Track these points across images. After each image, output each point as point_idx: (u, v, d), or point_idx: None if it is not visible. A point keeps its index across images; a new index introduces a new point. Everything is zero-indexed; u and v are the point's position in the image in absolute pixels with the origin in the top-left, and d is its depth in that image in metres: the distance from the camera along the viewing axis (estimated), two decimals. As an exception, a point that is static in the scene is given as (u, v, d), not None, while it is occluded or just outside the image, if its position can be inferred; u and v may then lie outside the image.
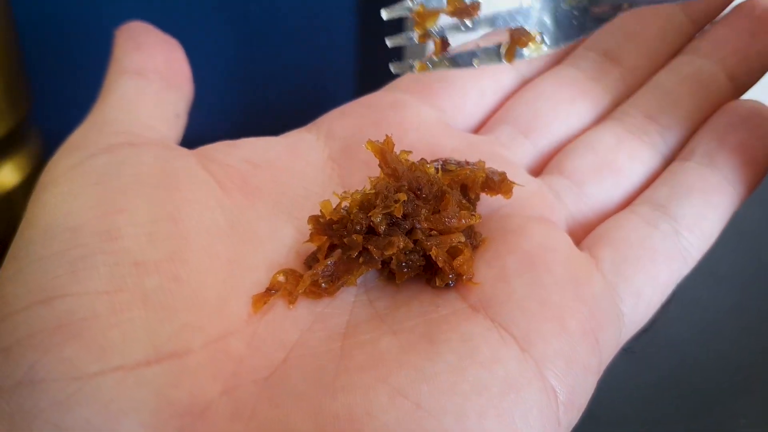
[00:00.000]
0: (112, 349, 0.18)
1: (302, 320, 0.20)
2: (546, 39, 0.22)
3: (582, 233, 0.24)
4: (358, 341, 0.19)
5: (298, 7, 0.53)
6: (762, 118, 0.25)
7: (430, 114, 0.26)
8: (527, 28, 0.22)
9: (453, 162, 0.23)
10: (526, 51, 0.22)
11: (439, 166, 0.23)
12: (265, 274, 0.21)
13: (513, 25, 0.22)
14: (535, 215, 0.23)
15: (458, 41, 0.23)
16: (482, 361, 0.18)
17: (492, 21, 0.22)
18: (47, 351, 0.17)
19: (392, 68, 0.23)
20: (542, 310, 0.20)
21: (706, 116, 0.26)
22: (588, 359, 0.20)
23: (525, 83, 0.28)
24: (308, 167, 0.24)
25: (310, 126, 0.26)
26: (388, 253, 0.21)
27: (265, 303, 0.20)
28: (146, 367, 0.18)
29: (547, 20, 0.22)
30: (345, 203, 0.22)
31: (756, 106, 0.25)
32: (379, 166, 0.21)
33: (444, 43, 0.23)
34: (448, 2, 0.23)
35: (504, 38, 0.23)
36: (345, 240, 0.21)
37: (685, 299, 0.41)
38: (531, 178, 0.25)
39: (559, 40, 0.22)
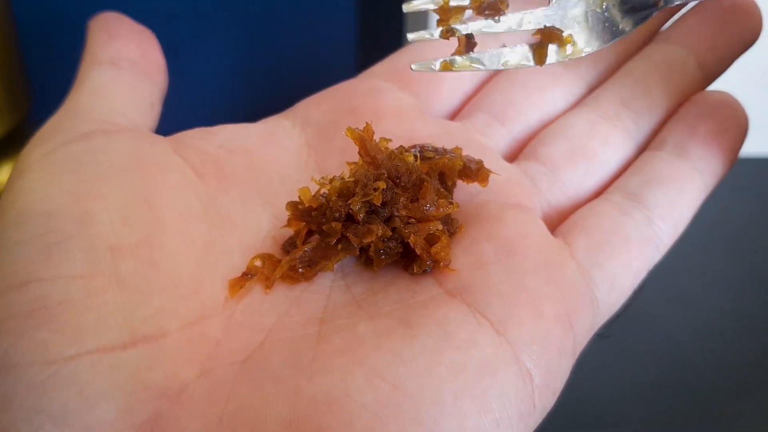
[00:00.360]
0: (87, 333, 0.18)
1: (279, 305, 0.20)
2: (578, 41, 0.21)
3: (557, 219, 0.24)
4: (335, 326, 0.19)
5: (298, 5, 0.53)
6: (731, 108, 0.25)
7: (406, 100, 0.27)
8: (558, 29, 0.21)
9: (430, 149, 0.23)
10: (557, 54, 0.21)
11: (418, 154, 0.23)
12: (241, 259, 0.21)
13: (543, 25, 0.21)
14: (511, 202, 0.23)
15: (484, 40, 0.22)
16: (459, 344, 0.19)
17: (520, 20, 0.21)
18: (22, 335, 0.17)
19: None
20: (517, 295, 0.20)
21: (677, 103, 0.27)
22: (563, 343, 0.20)
23: (499, 70, 0.29)
24: (284, 153, 0.25)
25: (286, 112, 0.27)
26: (366, 240, 0.21)
27: (241, 287, 0.20)
28: (122, 350, 0.18)
29: (580, 22, 0.21)
30: (324, 190, 0.22)
31: (725, 97, 0.26)
32: (359, 153, 0.21)
33: (469, 42, 0.22)
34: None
35: (534, 38, 0.22)
36: (324, 227, 0.21)
37: (683, 300, 0.41)
38: (507, 165, 0.25)
39: (592, 43, 0.21)
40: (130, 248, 0.19)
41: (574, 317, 0.21)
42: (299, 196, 0.22)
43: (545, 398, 0.20)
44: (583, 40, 0.21)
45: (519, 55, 0.21)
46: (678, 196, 0.24)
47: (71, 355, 0.17)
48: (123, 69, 0.24)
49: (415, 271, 0.21)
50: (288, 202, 0.22)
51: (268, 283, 0.20)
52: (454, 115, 0.28)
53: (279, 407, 0.17)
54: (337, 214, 0.21)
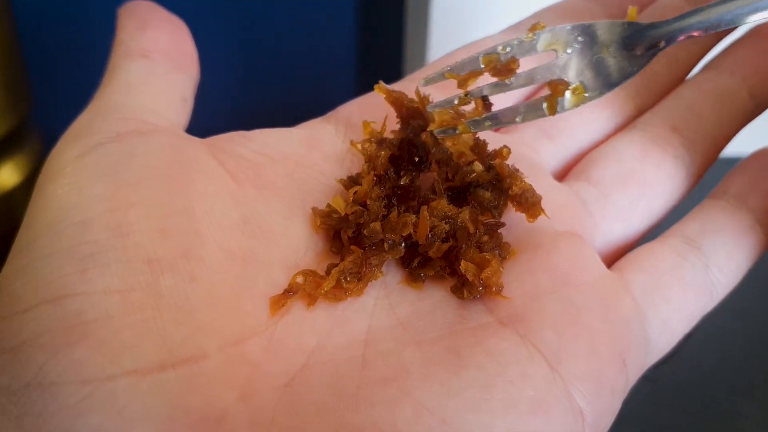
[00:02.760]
0: (124, 352, 0.17)
1: (321, 324, 0.19)
2: (587, 88, 0.21)
3: (610, 250, 0.24)
4: (379, 350, 0.19)
5: (298, 6, 0.53)
6: None
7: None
8: (567, 79, 0.21)
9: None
10: (567, 102, 0.21)
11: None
12: (281, 273, 0.20)
13: (552, 78, 0.22)
14: (565, 229, 0.22)
15: (499, 99, 0.23)
16: (511, 378, 0.18)
17: (531, 77, 0.22)
18: (57, 352, 0.17)
19: (435, 133, 0.22)
20: (572, 329, 0.19)
21: (728, 132, 0.26)
22: (616, 381, 0.20)
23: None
24: (325, 160, 0.23)
25: (328, 116, 0.25)
26: (405, 232, 0.20)
27: (283, 306, 0.19)
28: (160, 372, 0.17)
29: (587, 70, 0.21)
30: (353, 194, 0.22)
31: None
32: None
33: (486, 104, 0.22)
34: (484, 64, 0.22)
35: (545, 92, 0.22)
36: (364, 231, 0.21)
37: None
38: (558, 185, 0.25)
39: (601, 87, 0.21)
40: (168, 262, 0.18)
41: (627, 356, 0.20)
42: (332, 206, 0.21)
43: None
44: (591, 87, 0.22)
45: (533, 108, 0.22)
46: (736, 248, 0.23)
47: (108, 375, 0.17)
48: (155, 61, 0.23)
49: (464, 296, 0.20)
50: (313, 208, 0.21)
51: (311, 300, 0.20)
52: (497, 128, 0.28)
53: None
54: (374, 216, 0.21)
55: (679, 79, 0.28)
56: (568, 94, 0.21)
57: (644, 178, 0.25)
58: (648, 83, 0.27)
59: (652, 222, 0.25)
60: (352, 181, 0.22)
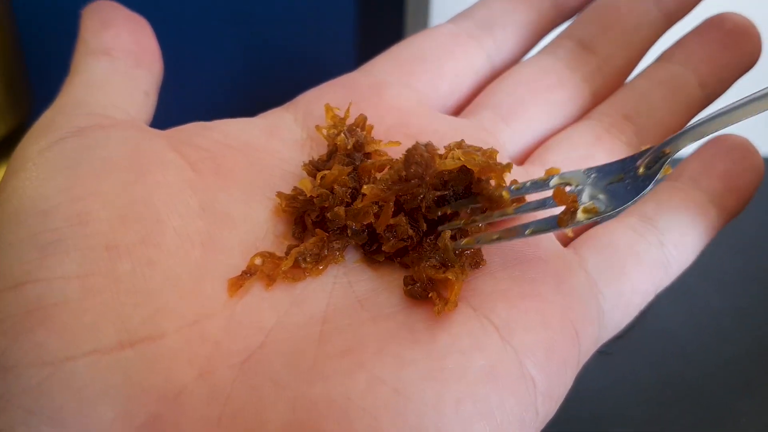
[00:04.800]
0: (83, 334, 0.17)
1: (280, 304, 0.20)
2: (600, 207, 0.21)
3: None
4: (337, 326, 0.19)
5: (298, 5, 0.53)
6: (748, 152, 0.26)
7: (410, 96, 0.26)
8: (580, 201, 0.21)
9: (466, 148, 0.22)
10: (580, 217, 0.20)
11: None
12: (240, 257, 0.21)
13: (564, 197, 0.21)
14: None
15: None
16: (462, 348, 0.19)
17: (543, 203, 0.22)
18: (18, 337, 0.17)
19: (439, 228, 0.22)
20: (524, 301, 0.20)
21: (679, 121, 0.27)
22: (568, 351, 0.20)
23: (496, 68, 0.29)
24: (285, 147, 0.24)
25: (287, 105, 0.26)
26: (365, 221, 0.21)
27: (240, 287, 0.20)
28: (119, 352, 0.18)
29: (599, 195, 0.21)
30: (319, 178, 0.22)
31: (743, 141, 0.26)
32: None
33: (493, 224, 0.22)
34: (493, 205, 0.21)
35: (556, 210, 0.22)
36: (328, 214, 0.21)
37: (686, 300, 0.41)
38: (516, 168, 0.25)
39: (615, 206, 0.21)
40: (127, 248, 0.19)
41: (580, 327, 0.21)
42: (300, 187, 0.22)
43: (548, 406, 0.19)
44: (604, 205, 0.21)
45: (545, 224, 0.21)
46: (691, 226, 0.24)
47: (68, 356, 0.17)
48: (117, 58, 0.24)
49: (415, 296, 0.20)
50: (278, 193, 0.22)
51: (269, 281, 0.20)
52: (455, 112, 0.28)
53: (279, 410, 0.17)
54: (338, 201, 0.21)
55: (633, 61, 0.28)
56: (580, 212, 0.21)
57: (596, 163, 0.25)
58: (602, 65, 0.28)
59: None
60: (314, 167, 0.23)
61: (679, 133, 0.21)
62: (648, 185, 0.21)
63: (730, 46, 0.27)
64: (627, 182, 0.21)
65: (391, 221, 0.21)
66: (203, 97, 0.51)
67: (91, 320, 0.18)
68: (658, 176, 0.21)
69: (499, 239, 0.21)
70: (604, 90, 0.28)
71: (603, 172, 0.22)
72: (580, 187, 0.22)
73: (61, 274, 0.18)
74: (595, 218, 0.21)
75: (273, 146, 0.24)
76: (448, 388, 0.18)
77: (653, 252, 0.23)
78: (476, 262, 0.21)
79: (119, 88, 0.23)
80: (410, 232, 0.21)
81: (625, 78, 0.29)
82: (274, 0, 0.52)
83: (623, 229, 0.24)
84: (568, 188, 0.22)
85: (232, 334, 0.19)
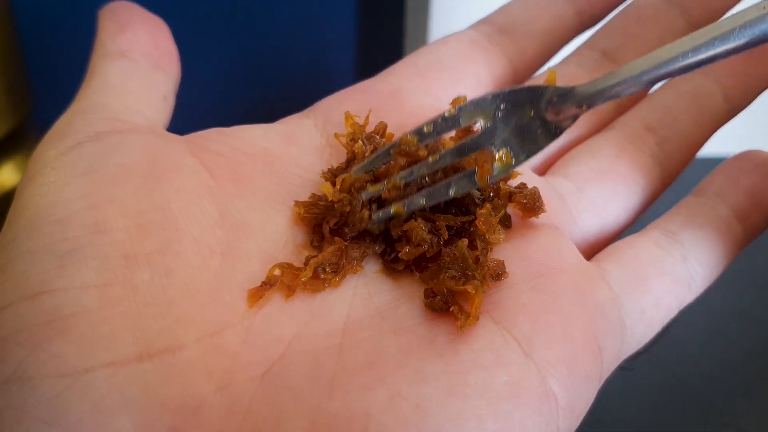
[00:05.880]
0: (102, 345, 0.17)
1: (299, 315, 0.20)
2: (512, 153, 0.22)
3: (586, 244, 0.24)
4: (357, 339, 0.19)
5: (298, 5, 0.53)
6: None
7: (429, 103, 0.26)
8: (493, 149, 0.22)
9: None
10: (496, 170, 0.22)
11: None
12: (259, 266, 0.20)
13: (479, 149, 0.22)
14: (542, 221, 0.23)
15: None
16: (484, 364, 0.18)
17: (458, 152, 0.22)
18: (35, 347, 0.17)
19: (373, 217, 0.22)
20: (546, 315, 0.20)
21: (703, 133, 0.27)
22: (590, 366, 0.20)
23: (518, 74, 0.28)
24: (305, 154, 0.24)
25: (307, 112, 0.26)
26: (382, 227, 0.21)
27: (260, 297, 0.20)
28: (137, 364, 0.17)
29: (512, 138, 0.22)
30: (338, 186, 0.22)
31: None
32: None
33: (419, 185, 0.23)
34: (405, 153, 0.22)
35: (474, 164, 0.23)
36: (349, 219, 0.21)
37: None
38: (537, 178, 0.25)
39: (526, 152, 0.22)
40: (145, 256, 0.19)
41: (602, 342, 0.20)
42: (322, 191, 0.21)
43: (569, 422, 0.19)
44: (517, 152, 0.22)
45: (465, 181, 0.22)
46: (715, 242, 0.24)
47: (86, 368, 0.17)
48: (135, 61, 0.23)
49: (436, 309, 0.20)
50: (296, 202, 0.21)
51: (289, 292, 0.20)
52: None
53: (298, 424, 0.17)
54: (361, 205, 0.21)
55: None
56: (496, 164, 0.22)
57: (619, 175, 0.25)
58: None
59: (627, 217, 0.25)
60: (333, 174, 0.23)
61: (596, 92, 0.21)
62: (559, 134, 0.22)
63: (754, 58, 0.27)
64: (537, 124, 0.22)
65: (405, 226, 0.21)
66: (203, 99, 0.51)
67: (110, 331, 0.17)
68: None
69: (424, 204, 0.21)
70: (627, 100, 0.28)
71: (511, 102, 0.22)
72: (489, 125, 0.22)
73: (79, 283, 0.18)
74: (511, 170, 0.22)
75: (292, 153, 0.23)
76: (470, 404, 0.18)
77: (677, 267, 0.23)
78: (498, 274, 0.20)
79: (137, 91, 0.23)
80: (426, 236, 0.21)
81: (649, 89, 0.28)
82: (274, 2, 0.52)
83: (646, 244, 0.23)
84: (477, 124, 0.22)
85: (251, 345, 0.19)
